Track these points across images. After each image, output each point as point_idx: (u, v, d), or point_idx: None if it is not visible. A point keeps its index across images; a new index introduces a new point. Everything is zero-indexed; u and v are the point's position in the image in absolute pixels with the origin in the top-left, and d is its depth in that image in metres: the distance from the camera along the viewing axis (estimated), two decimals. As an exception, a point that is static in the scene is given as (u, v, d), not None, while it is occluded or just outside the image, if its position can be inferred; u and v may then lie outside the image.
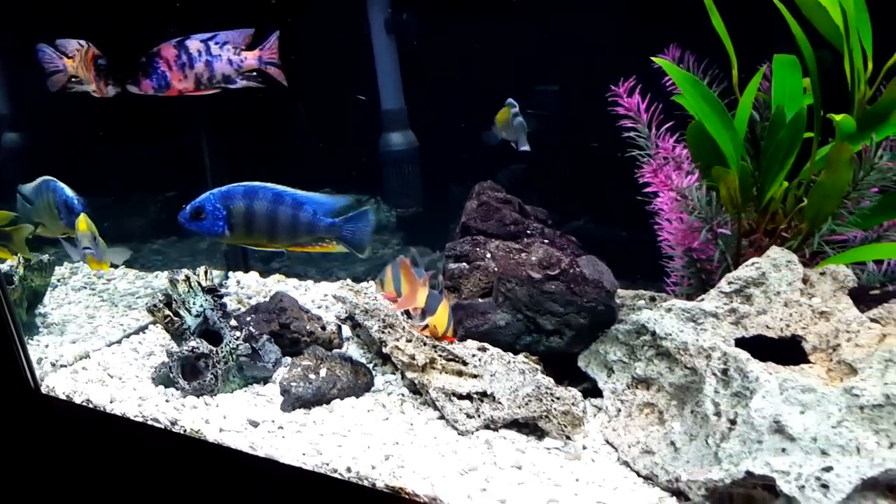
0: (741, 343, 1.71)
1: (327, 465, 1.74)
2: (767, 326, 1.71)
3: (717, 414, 1.55)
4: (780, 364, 1.61)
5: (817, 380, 1.50)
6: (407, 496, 1.63)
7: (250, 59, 2.07)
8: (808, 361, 1.61)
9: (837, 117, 1.60)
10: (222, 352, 2.07)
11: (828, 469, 1.30)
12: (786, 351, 1.67)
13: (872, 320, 1.61)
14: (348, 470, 1.72)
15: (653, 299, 2.29)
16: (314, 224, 2.09)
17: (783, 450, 1.40)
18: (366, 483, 1.69)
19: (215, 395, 2.06)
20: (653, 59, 1.82)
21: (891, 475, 1.28)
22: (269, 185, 2.08)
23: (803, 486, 1.31)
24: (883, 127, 1.72)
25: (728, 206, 1.90)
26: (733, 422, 1.50)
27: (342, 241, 2.10)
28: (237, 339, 2.11)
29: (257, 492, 1.81)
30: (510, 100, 2.25)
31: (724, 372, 1.58)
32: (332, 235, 2.11)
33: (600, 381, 1.94)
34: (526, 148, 2.18)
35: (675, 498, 1.60)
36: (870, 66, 1.84)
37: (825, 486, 1.29)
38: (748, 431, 1.43)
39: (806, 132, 1.84)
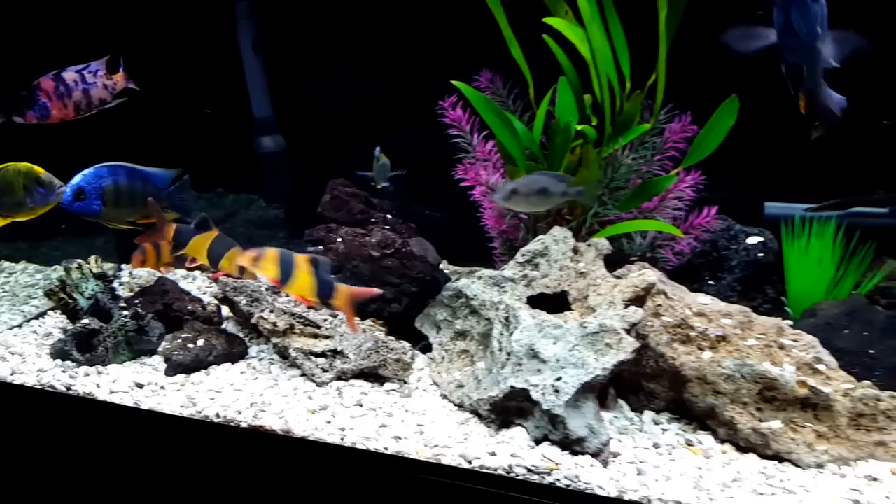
0: (530, 299, 2.22)
1: (200, 412, 2.13)
2: (547, 286, 2.22)
3: (500, 350, 2.05)
4: (552, 312, 2.13)
5: (572, 321, 2.02)
6: (265, 431, 2.05)
7: (120, 81, 2.40)
8: (570, 309, 2.14)
9: (579, 127, 2.14)
10: (111, 328, 2.41)
11: (559, 379, 1.82)
12: (558, 303, 2.19)
13: (616, 277, 2.16)
14: (217, 416, 2.11)
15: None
16: (157, 195, 2.42)
17: (538, 370, 1.91)
18: (232, 424, 2.09)
19: (106, 365, 2.40)
20: (453, 82, 2.30)
21: (599, 379, 1.81)
22: (118, 163, 2.39)
23: (544, 393, 1.82)
24: (628, 133, 2.28)
25: (524, 196, 2.42)
26: (509, 354, 2.00)
27: (174, 208, 2.45)
28: (125, 317, 2.46)
29: (141, 439, 2.17)
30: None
31: (507, 319, 2.09)
32: (168, 204, 2.45)
33: (431, 337, 2.42)
34: (385, 185, 2.62)
35: (476, 417, 2.09)
36: (628, 84, 2.41)
37: (557, 391, 1.81)
38: (514, 358, 1.94)
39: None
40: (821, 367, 1.98)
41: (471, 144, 2.59)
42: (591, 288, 2.10)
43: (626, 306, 1.93)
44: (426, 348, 2.47)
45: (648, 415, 2.08)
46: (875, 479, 1.78)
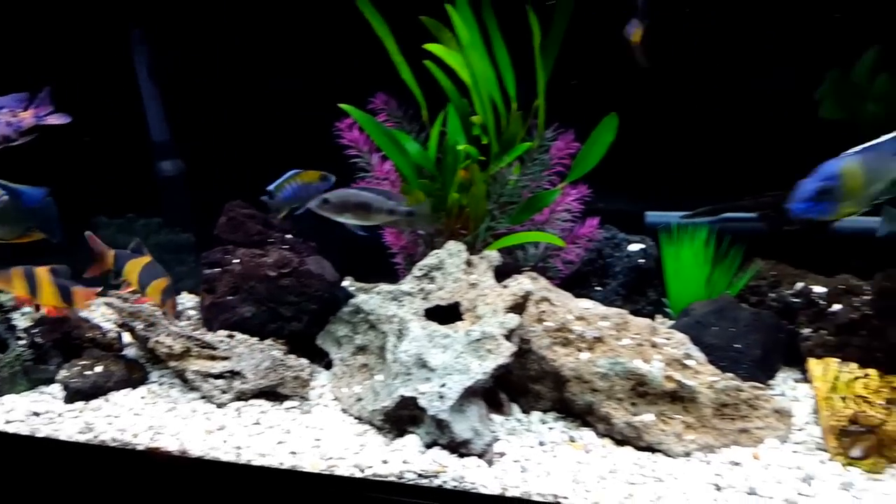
0: (428, 311, 2.30)
1: (97, 438, 2.13)
2: (442, 298, 2.32)
3: (394, 361, 2.12)
4: (449, 322, 2.22)
5: (460, 330, 2.12)
6: (161, 453, 2.06)
7: (28, 118, 2.35)
8: (462, 319, 2.24)
9: (461, 147, 2.26)
10: (7, 358, 2.38)
11: (443, 385, 1.91)
12: (453, 313, 2.29)
13: (504, 286, 2.27)
14: (113, 440, 2.11)
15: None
16: (26, 213, 2.40)
17: (428, 378, 1.99)
18: (128, 448, 2.10)
19: (3, 395, 2.36)
20: (340, 105, 2.38)
21: (480, 383, 1.91)
22: None
23: (430, 400, 1.91)
24: (512, 151, 2.41)
25: (419, 213, 2.52)
26: (400, 364, 2.08)
27: (39, 228, 2.43)
28: (21, 346, 2.42)
29: (38, 466, 2.15)
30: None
31: (400, 331, 2.17)
32: (35, 223, 2.42)
33: (332, 354, 2.47)
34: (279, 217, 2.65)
35: (374, 429, 2.16)
36: (514, 105, 2.54)
37: (442, 397, 1.90)
38: (403, 368, 2.02)
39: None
40: (690, 362, 2.14)
41: (369, 164, 2.67)
42: (480, 298, 2.21)
43: (508, 314, 2.05)
44: (330, 364, 2.52)
45: (536, 415, 2.19)
46: (737, 464, 1.94)
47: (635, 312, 2.49)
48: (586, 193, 2.67)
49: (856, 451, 1.93)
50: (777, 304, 2.50)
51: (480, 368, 1.91)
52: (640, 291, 2.65)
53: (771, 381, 2.40)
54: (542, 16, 2.46)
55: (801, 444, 2.04)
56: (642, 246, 2.69)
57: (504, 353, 1.93)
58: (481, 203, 2.39)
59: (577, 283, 2.66)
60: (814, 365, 2.16)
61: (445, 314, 2.27)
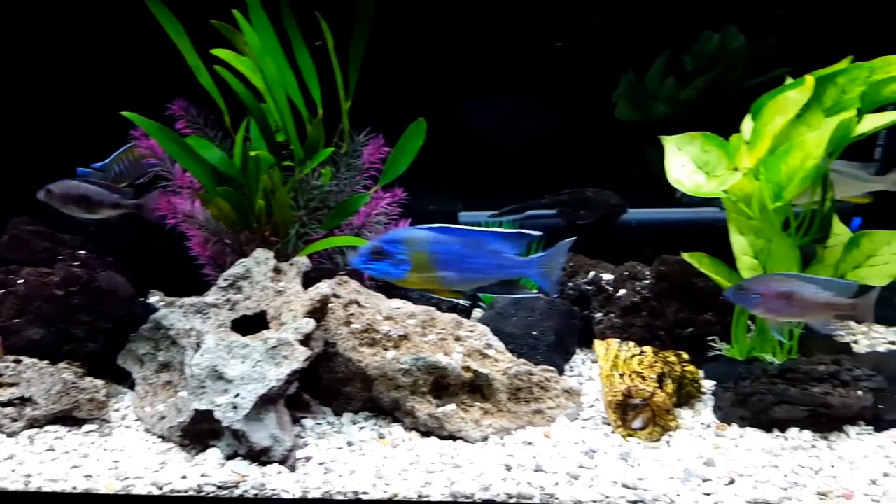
0: (235, 322, 2.27)
1: None
2: (248, 308, 2.29)
3: (191, 376, 2.08)
4: (258, 332, 2.19)
5: (262, 338, 2.10)
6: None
7: None
8: (268, 327, 2.23)
9: (253, 153, 2.26)
10: None
11: (237, 395, 1.90)
12: (261, 322, 2.27)
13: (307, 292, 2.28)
14: None
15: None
16: None
17: (225, 390, 1.97)
18: None
19: None
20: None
21: (275, 390, 1.92)
22: None
23: (225, 411, 1.89)
24: (315, 157, 2.43)
25: (224, 222, 2.47)
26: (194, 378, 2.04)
27: None
28: None
29: None
30: None
31: (198, 344, 2.12)
32: None
33: (134, 373, 2.37)
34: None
35: (177, 446, 2.09)
36: (320, 110, 2.56)
37: (235, 408, 1.88)
38: (196, 382, 1.98)
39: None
40: (490, 351, 2.27)
41: (170, 172, 2.58)
42: (286, 305, 2.20)
43: (304, 319, 2.06)
44: (134, 384, 2.41)
45: (348, 416, 2.22)
46: (529, 444, 2.08)
47: (453, 309, 2.60)
48: (401, 196, 2.74)
49: (637, 423, 2.13)
50: (574, 292, 2.71)
51: (275, 375, 1.92)
52: (454, 288, 2.76)
53: (570, 364, 2.60)
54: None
55: (590, 419, 2.22)
56: (455, 244, 2.80)
57: (299, 357, 1.95)
58: (286, 209, 2.39)
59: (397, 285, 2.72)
60: (598, 346, 2.36)
61: (254, 323, 2.25)
